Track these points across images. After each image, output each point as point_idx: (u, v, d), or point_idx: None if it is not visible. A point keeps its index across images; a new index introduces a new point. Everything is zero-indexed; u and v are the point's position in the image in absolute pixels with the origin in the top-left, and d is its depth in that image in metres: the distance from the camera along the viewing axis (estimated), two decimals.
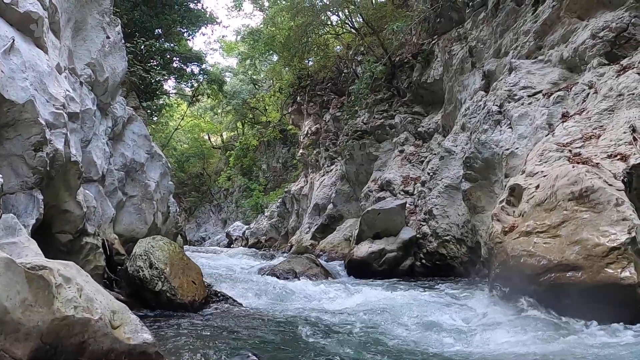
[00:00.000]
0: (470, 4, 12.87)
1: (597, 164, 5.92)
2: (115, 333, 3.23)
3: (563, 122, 7.62)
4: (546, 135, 7.69)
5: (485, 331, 5.13)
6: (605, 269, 4.85)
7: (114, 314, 3.41)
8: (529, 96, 8.76)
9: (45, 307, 2.79)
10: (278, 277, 10.11)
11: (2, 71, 4.25)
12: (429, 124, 15.30)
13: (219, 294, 7.49)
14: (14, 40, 4.56)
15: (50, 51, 5.61)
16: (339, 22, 21.29)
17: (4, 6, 4.67)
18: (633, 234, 4.92)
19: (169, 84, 27.06)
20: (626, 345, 4.29)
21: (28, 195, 4.69)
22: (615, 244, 4.94)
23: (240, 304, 7.19)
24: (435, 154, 13.26)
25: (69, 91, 5.95)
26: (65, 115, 5.39)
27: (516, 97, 8.90)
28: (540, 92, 8.66)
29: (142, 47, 13.08)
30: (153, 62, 15.81)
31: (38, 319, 2.72)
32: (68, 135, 5.57)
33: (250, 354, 2.13)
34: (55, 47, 6.00)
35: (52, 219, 5.67)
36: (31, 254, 3.90)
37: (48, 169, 4.95)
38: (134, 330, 3.42)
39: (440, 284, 9.27)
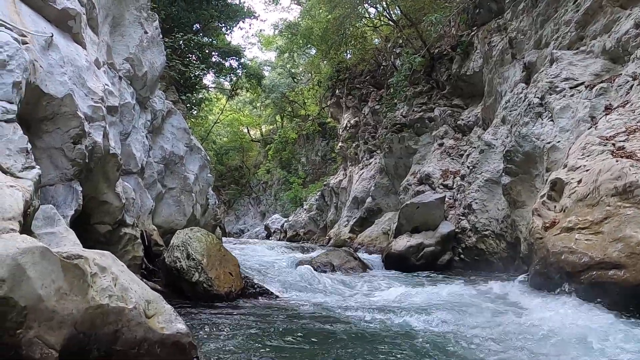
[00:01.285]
0: None
1: None
2: (149, 322, 3.26)
3: (606, 114, 7.35)
4: (589, 129, 7.43)
5: (524, 328, 4.96)
6: None
7: (149, 303, 3.45)
8: (570, 88, 8.48)
9: (80, 295, 2.84)
10: (315, 270, 10.11)
11: (41, 66, 4.35)
12: (469, 117, 15.03)
13: (256, 286, 7.52)
14: (52, 36, 4.66)
15: (88, 46, 5.73)
16: (377, 14, 21.10)
17: (42, 3, 4.78)
18: None
19: (208, 78, 27.43)
20: None
21: (67, 187, 4.80)
22: None
23: (277, 296, 7.20)
24: (475, 147, 13.02)
25: (107, 85, 6.08)
26: (103, 108, 5.50)
27: (558, 89, 8.63)
28: (582, 83, 8.37)
29: (181, 41, 13.23)
30: (192, 56, 16.02)
31: (72, 307, 2.76)
32: (107, 128, 5.69)
33: None
34: (94, 42, 6.12)
35: (91, 210, 5.81)
36: (69, 243, 4.00)
37: (87, 161, 5.06)
38: (168, 320, 3.44)
39: (478, 280, 9.10)
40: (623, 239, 5.02)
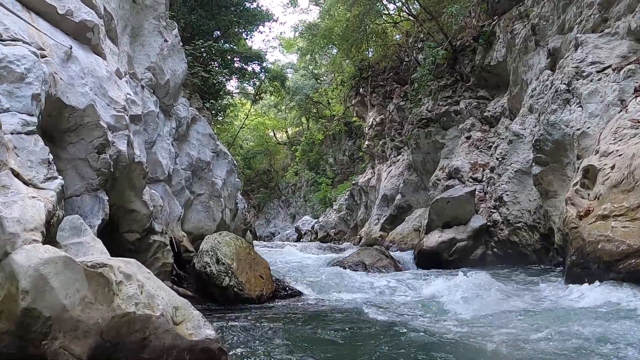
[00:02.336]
0: None
1: None
2: (177, 329, 3.23)
3: (636, 97, 7.12)
4: (619, 112, 7.20)
5: (563, 321, 4.79)
6: None
7: (176, 310, 3.43)
8: (598, 72, 8.24)
9: (105, 304, 2.83)
10: (348, 270, 10.05)
11: (61, 79, 4.40)
12: (495, 108, 14.77)
13: (287, 288, 7.50)
14: (71, 49, 4.71)
15: (108, 57, 5.79)
16: (396, 9, 20.93)
17: (59, 17, 4.84)
18: None
19: (232, 84, 27.64)
20: None
21: (93, 197, 4.85)
22: None
23: (308, 298, 7.16)
24: (503, 138, 12.77)
25: (129, 95, 6.13)
26: (126, 117, 5.54)
27: (584, 74, 8.39)
28: (609, 66, 8.12)
29: (202, 49, 13.31)
30: (214, 63, 16.12)
31: (98, 316, 2.76)
32: (131, 137, 5.74)
33: None
34: (114, 53, 6.18)
35: (119, 219, 5.87)
36: (96, 252, 4.02)
37: (112, 170, 5.11)
38: (197, 326, 3.42)
39: (514, 273, 8.92)
40: None
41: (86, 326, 2.65)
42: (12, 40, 3.95)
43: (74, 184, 4.65)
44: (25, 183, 2.91)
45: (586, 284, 5.65)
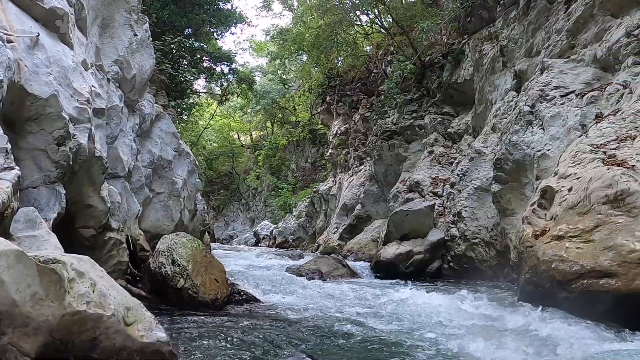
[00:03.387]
0: (501, 2, 12.56)
1: (633, 166, 5.66)
2: (129, 330, 3.16)
3: (597, 122, 7.34)
4: (579, 137, 7.41)
5: (510, 337, 4.91)
6: None
7: (128, 310, 3.35)
8: (561, 96, 8.47)
9: (57, 301, 2.74)
10: (304, 277, 10.05)
11: (26, 66, 4.26)
12: (459, 125, 15.05)
13: (242, 293, 7.44)
14: (38, 35, 4.57)
15: (76, 47, 5.64)
16: (369, 21, 21.14)
17: (29, 2, 4.71)
18: None
19: (199, 83, 27.33)
20: None
21: (50, 189, 4.70)
22: None
23: (263, 303, 7.11)
24: (465, 155, 13.00)
25: (94, 87, 5.98)
26: (89, 110, 5.40)
27: (548, 97, 8.62)
28: (573, 92, 8.36)
29: (172, 45, 13.14)
30: (183, 61, 15.93)
31: (48, 313, 2.66)
32: (92, 131, 5.59)
33: (304, 355, 2.01)
34: (82, 43, 6.03)
35: (75, 214, 5.70)
36: (50, 247, 3.89)
37: (71, 163, 4.97)
38: (148, 328, 3.35)
39: (466, 288, 9.07)
40: (614, 247, 4.98)
41: (36, 323, 2.55)
42: None
43: (32, 175, 4.50)
44: None
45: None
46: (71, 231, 5.74)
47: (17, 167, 3.28)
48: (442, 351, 4.48)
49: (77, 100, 5.17)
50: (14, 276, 2.45)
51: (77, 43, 5.85)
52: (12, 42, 4.14)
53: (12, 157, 3.30)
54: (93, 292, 2.98)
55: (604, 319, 4.90)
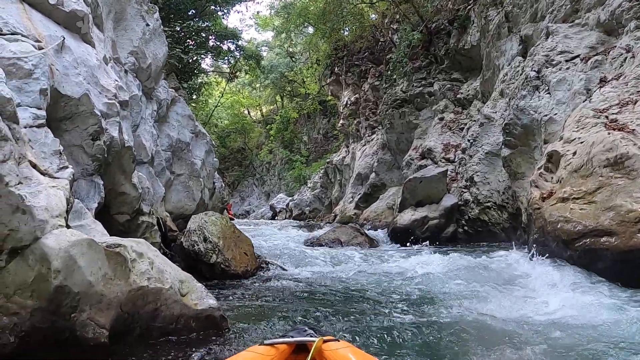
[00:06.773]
0: None
1: (633, 130, 5.92)
2: (184, 300, 3.62)
3: (600, 87, 7.53)
4: (584, 101, 7.64)
5: (527, 296, 5.26)
6: (638, 235, 4.94)
7: (182, 283, 3.80)
8: (566, 61, 8.64)
9: (123, 279, 3.18)
10: (325, 246, 10.47)
11: (57, 69, 4.59)
12: (468, 91, 15.21)
13: (269, 264, 7.87)
14: (64, 39, 4.89)
15: (96, 45, 5.97)
16: None
17: (50, 7, 4.99)
18: None
19: (207, 63, 27.50)
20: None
21: (89, 182, 5.09)
22: None
23: (290, 272, 7.53)
24: (475, 120, 13.21)
25: (117, 81, 6.32)
26: (117, 104, 5.76)
27: (554, 62, 8.80)
28: (577, 56, 8.53)
29: (179, 28, 13.36)
30: (190, 42, 16.13)
31: (117, 290, 3.10)
32: (121, 123, 5.96)
33: (307, 328, 2.33)
34: (100, 40, 6.35)
35: (110, 202, 6.10)
36: (98, 234, 4.30)
37: (105, 155, 5.35)
38: (200, 297, 3.80)
39: (481, 250, 9.42)
40: (614, 208, 5.29)
41: (108, 299, 2.98)
42: (12, 34, 4.14)
43: None
44: (42, 173, 3.18)
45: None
46: (106, 218, 6.14)
47: (70, 167, 3.66)
48: (469, 306, 4.85)
49: (106, 96, 5.52)
50: (87, 261, 2.86)
51: (97, 40, 6.16)
52: (43, 48, 4.48)
53: (65, 157, 3.68)
54: (152, 269, 3.40)
55: (605, 275, 5.25)
